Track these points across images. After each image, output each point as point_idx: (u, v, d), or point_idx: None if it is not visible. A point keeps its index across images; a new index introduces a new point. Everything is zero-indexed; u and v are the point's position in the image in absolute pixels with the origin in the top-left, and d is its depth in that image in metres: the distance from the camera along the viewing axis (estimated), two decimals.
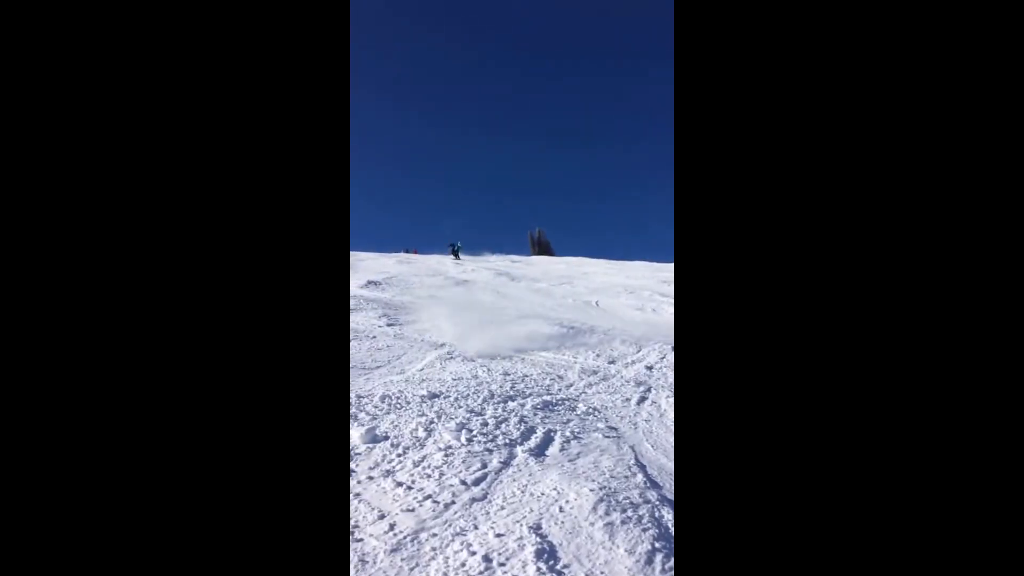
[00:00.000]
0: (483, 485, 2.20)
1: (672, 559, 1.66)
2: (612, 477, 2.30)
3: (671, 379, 4.35)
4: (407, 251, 23.21)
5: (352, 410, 3.10)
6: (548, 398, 3.59)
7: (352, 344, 5.10)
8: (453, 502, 2.04)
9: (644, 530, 1.82)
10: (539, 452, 2.59)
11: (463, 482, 2.21)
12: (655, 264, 17.34)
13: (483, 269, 14.53)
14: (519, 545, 1.74)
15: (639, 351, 5.37)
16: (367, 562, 1.65)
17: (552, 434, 2.84)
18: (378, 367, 4.44)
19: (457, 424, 2.85)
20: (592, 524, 1.87)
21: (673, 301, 8.88)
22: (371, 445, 2.56)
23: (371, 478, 2.24)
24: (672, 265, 13.81)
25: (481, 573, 1.61)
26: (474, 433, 2.75)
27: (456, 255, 17.80)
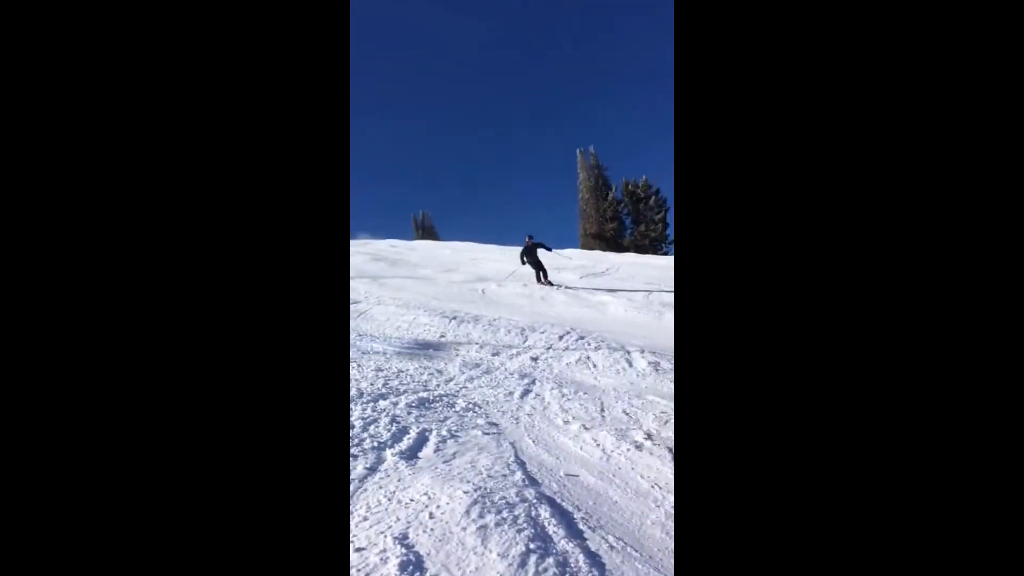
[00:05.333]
0: None
1: (546, 559, 1.69)
2: (489, 476, 2.30)
3: (556, 370, 4.49)
4: None
5: None
6: (425, 395, 3.53)
7: None
8: None
9: (519, 531, 1.84)
10: (411, 455, 2.52)
11: None
12: (547, 252, 17.85)
13: (357, 254, 13.98)
14: (381, 559, 1.67)
15: (525, 341, 5.48)
16: None
17: (427, 434, 2.78)
18: None
19: None
20: (464, 529, 1.85)
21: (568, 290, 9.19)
22: None
23: None
24: (566, 251, 14.30)
25: None
26: None
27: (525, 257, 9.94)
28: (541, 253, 10.01)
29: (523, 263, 9.69)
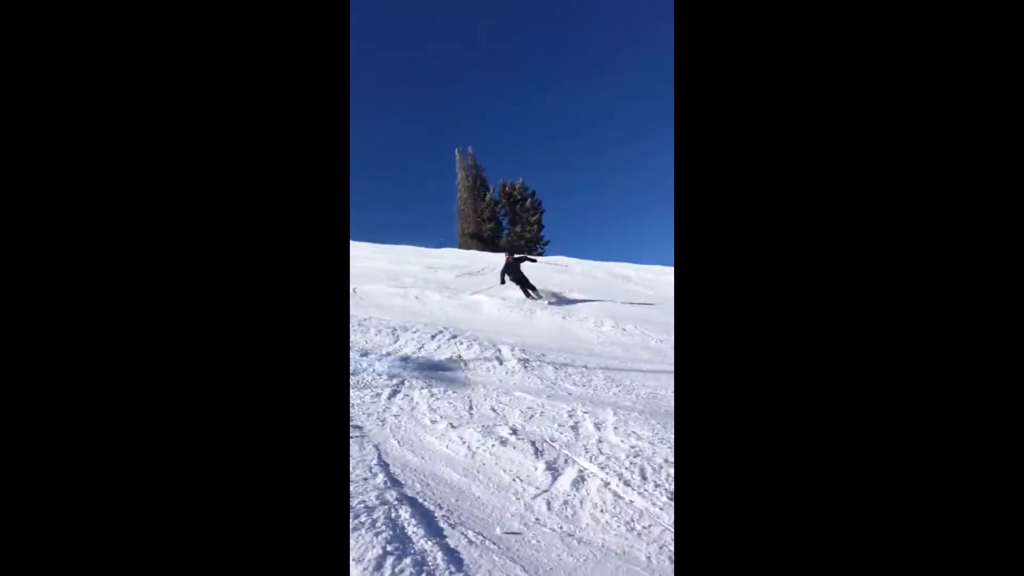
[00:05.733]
0: None
1: (403, 560, 1.68)
2: (350, 481, 2.24)
3: (427, 369, 4.47)
4: None
5: None
6: None
7: None
8: None
9: (377, 534, 1.81)
10: None
11: None
12: (422, 249, 17.70)
13: None
14: None
15: (396, 341, 5.40)
16: None
17: None
18: None
19: None
20: None
21: (439, 288, 9.16)
22: None
23: None
24: (437, 251, 14.31)
25: None
26: None
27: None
28: (525, 266, 9.25)
29: (503, 282, 9.12)
